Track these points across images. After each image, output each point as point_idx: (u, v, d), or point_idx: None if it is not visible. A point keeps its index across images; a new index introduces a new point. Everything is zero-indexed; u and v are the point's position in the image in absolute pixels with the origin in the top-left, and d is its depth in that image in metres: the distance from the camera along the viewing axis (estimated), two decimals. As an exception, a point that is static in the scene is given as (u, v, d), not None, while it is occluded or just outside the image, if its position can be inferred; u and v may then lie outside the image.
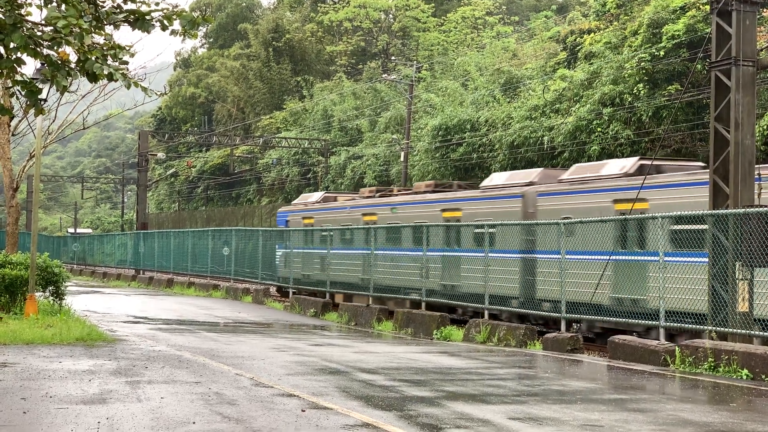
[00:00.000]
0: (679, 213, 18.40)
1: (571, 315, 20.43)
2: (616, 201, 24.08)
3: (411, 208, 33.51)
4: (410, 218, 32.53)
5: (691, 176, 22.74)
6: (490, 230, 24.11)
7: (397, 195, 36.56)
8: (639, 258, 21.51)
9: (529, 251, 24.07)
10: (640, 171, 24.34)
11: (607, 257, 20.90)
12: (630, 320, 19.61)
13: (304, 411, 10.85)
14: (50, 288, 23.99)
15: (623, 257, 21.70)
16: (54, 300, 23.89)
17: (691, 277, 17.74)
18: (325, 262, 33.62)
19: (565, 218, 22.80)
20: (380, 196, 37.53)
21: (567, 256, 20.70)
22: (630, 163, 25.77)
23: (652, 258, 18.97)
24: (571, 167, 29.16)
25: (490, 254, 23.68)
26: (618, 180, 24.82)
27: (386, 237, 30.85)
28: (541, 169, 31.76)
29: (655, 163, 24.63)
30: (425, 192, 34.06)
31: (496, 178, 31.45)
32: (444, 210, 31.48)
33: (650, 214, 20.33)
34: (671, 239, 18.88)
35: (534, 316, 24.38)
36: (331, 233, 33.83)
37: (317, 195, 43.92)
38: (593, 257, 21.29)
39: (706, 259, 17.32)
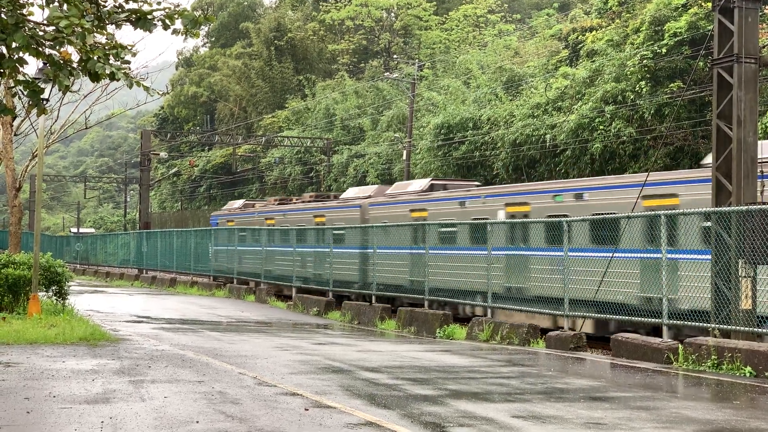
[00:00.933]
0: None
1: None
2: (411, 210, 32.93)
3: (295, 214, 41.59)
4: (295, 222, 40.31)
5: (459, 192, 31.40)
6: (339, 231, 32.64)
7: (289, 203, 44.33)
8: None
9: (365, 247, 30.91)
10: (431, 189, 33.71)
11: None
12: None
13: (307, 410, 10.86)
14: (53, 288, 24.01)
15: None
16: (57, 300, 23.90)
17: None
18: (240, 255, 41.12)
19: (383, 223, 30.91)
20: (278, 204, 45.46)
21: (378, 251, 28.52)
22: (425, 182, 34.72)
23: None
24: (393, 184, 38.28)
25: (335, 249, 31.72)
26: (413, 195, 33.79)
27: (275, 237, 37.74)
28: (377, 185, 40.73)
29: (442, 182, 34.96)
30: (308, 201, 42.53)
31: (350, 192, 40.43)
32: (315, 216, 39.43)
33: (429, 221, 29.33)
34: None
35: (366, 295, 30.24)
36: (243, 233, 41.96)
37: (240, 202, 52.50)
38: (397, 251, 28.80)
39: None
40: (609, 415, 10.89)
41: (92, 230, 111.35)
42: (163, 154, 74.47)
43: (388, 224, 29.64)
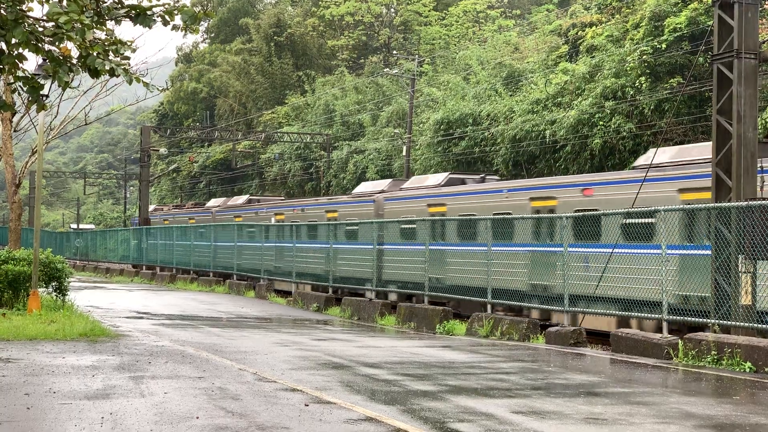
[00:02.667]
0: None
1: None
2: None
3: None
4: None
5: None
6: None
7: (197, 207, 52.99)
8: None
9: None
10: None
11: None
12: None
13: (307, 405, 10.86)
14: (53, 284, 24.03)
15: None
16: (57, 296, 23.91)
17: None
18: (172, 248, 47.64)
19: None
20: (193, 206, 54.11)
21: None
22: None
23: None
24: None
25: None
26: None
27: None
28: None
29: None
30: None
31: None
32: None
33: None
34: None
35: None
36: (174, 231, 49.12)
37: (170, 206, 65.25)
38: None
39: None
40: (609, 410, 10.90)
41: (92, 226, 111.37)
42: (163, 150, 74.39)
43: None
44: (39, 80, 11.45)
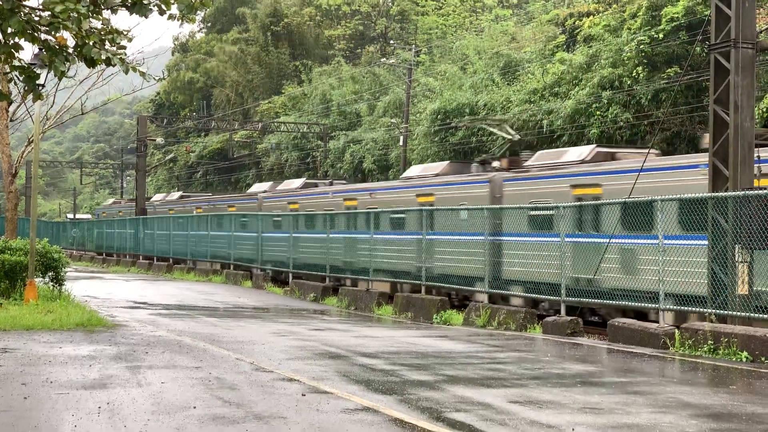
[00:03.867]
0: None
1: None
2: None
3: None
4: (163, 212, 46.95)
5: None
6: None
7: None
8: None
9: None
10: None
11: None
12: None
13: (304, 395, 10.87)
14: (50, 274, 24.01)
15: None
16: (54, 286, 23.90)
17: None
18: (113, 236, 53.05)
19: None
20: (127, 201, 63.66)
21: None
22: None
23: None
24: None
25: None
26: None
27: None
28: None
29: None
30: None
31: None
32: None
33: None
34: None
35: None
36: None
37: (111, 200, 73.35)
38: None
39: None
40: (605, 399, 10.91)
41: (89, 216, 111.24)
42: (160, 140, 74.10)
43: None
44: (35, 69, 11.42)
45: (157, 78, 13.14)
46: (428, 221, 26.18)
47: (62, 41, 10.53)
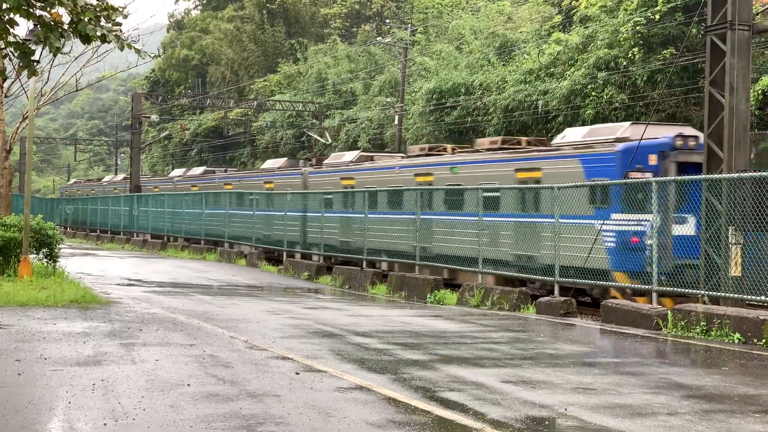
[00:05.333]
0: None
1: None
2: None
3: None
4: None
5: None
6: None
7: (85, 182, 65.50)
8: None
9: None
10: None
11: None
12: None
13: (298, 374, 10.90)
14: (44, 250, 23.99)
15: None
16: (48, 262, 23.89)
17: None
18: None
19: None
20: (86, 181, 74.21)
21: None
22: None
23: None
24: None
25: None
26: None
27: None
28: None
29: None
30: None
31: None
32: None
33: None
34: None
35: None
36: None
37: (73, 180, 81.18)
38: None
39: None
40: (598, 380, 10.96)
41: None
42: (154, 117, 73.95)
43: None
44: (30, 46, 11.38)
45: (152, 55, 13.11)
46: (269, 201, 37.91)
47: (57, 17, 10.50)
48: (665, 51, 37.97)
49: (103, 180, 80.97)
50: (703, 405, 9.59)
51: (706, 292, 16.48)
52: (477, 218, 22.97)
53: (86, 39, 10.55)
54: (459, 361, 12.29)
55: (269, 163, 46.60)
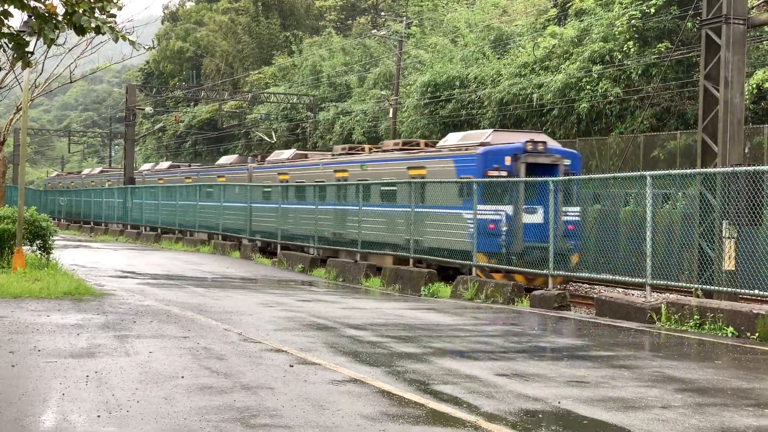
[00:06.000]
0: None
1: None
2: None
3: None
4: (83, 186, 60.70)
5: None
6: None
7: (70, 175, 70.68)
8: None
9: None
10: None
11: None
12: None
13: (292, 366, 10.90)
14: (38, 242, 23.95)
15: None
16: (41, 254, 23.85)
17: None
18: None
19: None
20: (67, 174, 78.28)
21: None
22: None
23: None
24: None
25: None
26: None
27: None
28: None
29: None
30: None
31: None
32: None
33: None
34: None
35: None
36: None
37: (55, 173, 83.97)
38: None
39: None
40: (592, 373, 10.97)
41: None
42: (149, 109, 73.87)
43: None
44: (24, 37, 11.34)
45: (146, 47, 13.08)
46: (223, 193, 41.43)
47: (52, 9, 10.45)
48: (660, 45, 38.00)
49: (82, 173, 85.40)
50: (697, 398, 9.60)
51: (700, 286, 16.51)
52: (357, 208, 29.34)
53: (81, 30, 10.50)
54: (453, 354, 12.31)
55: (223, 159, 52.00)
